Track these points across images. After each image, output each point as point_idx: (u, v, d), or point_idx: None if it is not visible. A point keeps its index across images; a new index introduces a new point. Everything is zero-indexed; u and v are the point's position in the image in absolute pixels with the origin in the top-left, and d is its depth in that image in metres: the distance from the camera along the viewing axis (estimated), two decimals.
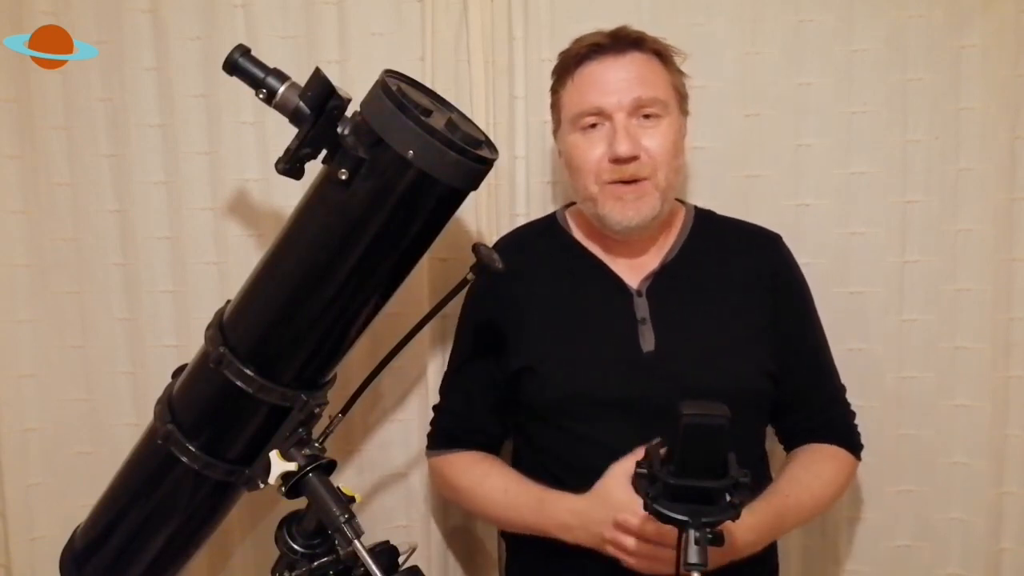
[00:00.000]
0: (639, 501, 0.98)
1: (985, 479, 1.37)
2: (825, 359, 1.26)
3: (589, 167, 1.15)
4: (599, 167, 1.14)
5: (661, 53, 1.17)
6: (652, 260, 1.21)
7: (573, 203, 1.29)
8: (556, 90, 1.21)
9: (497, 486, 1.20)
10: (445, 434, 1.29)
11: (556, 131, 1.23)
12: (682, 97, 1.20)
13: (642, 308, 1.17)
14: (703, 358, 1.14)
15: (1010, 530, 1.38)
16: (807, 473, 1.18)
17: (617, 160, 1.12)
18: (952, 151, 1.34)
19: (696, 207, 1.28)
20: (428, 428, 1.33)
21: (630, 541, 1.04)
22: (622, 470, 1.06)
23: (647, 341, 1.16)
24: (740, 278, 1.20)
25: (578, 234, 1.26)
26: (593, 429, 1.12)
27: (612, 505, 1.06)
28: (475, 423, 1.27)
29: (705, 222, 1.26)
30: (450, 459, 1.27)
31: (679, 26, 1.35)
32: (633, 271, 1.20)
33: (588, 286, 1.21)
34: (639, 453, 1.04)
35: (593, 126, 1.15)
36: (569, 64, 1.17)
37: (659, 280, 1.19)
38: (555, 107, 1.22)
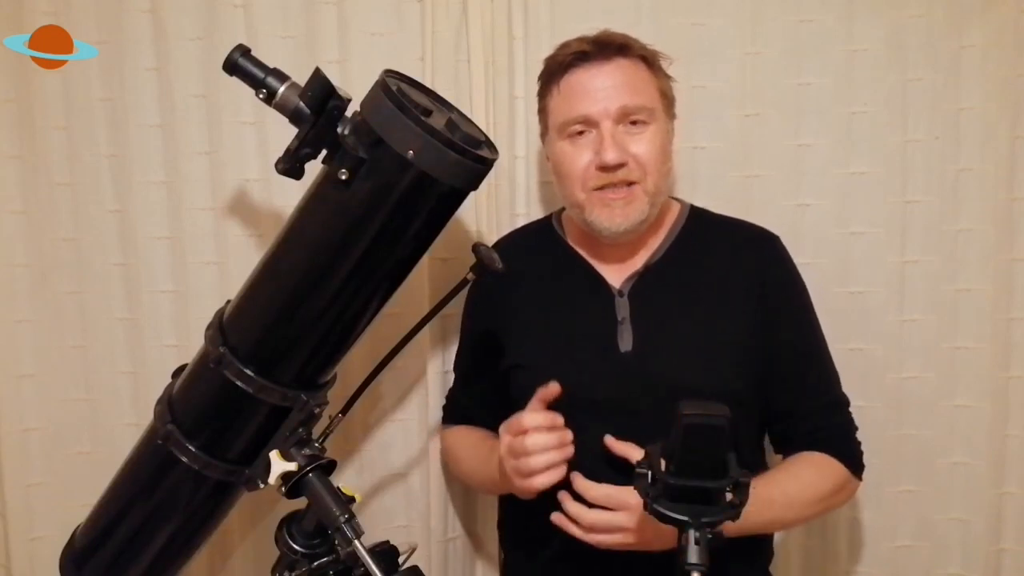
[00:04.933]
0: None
1: (985, 479, 1.37)
2: (822, 365, 1.23)
3: (576, 174, 1.15)
4: (586, 174, 1.14)
5: (647, 58, 1.17)
6: (638, 261, 1.21)
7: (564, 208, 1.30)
8: (542, 96, 1.21)
9: (468, 446, 1.27)
10: (450, 413, 1.36)
11: (543, 136, 1.24)
12: (669, 101, 1.20)
13: (623, 308, 1.18)
14: (680, 358, 1.14)
15: (1010, 530, 1.38)
16: (782, 472, 1.17)
17: (604, 168, 1.12)
18: (952, 151, 1.34)
19: (691, 206, 1.28)
20: (429, 427, 1.39)
21: (504, 440, 1.06)
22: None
23: (625, 341, 1.16)
24: (729, 278, 1.19)
25: (569, 236, 1.26)
26: (574, 426, 1.12)
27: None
28: (471, 409, 1.31)
29: (697, 222, 1.25)
30: (450, 429, 1.34)
31: (679, 26, 1.35)
32: (619, 272, 1.21)
33: (574, 287, 1.22)
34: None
35: (580, 133, 1.15)
36: (554, 72, 1.17)
37: (642, 281, 1.19)
38: (542, 113, 1.22)
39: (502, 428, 1.09)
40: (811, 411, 1.20)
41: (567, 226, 1.28)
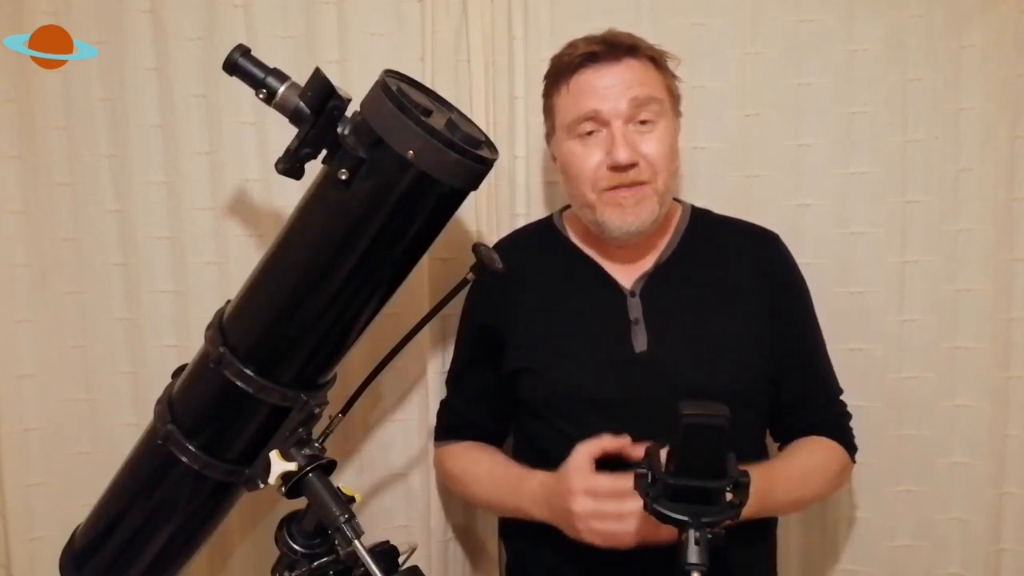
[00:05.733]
0: (588, 472, 1.02)
1: (985, 479, 1.37)
2: (822, 361, 1.25)
3: (587, 175, 1.14)
4: (597, 174, 1.14)
5: (655, 58, 1.17)
6: (647, 261, 1.21)
7: (569, 206, 1.29)
8: (549, 95, 1.20)
9: (484, 469, 1.24)
10: (447, 426, 1.33)
11: (549, 137, 1.23)
12: (676, 100, 1.20)
13: (635, 308, 1.18)
14: (695, 358, 1.15)
15: (1010, 530, 1.38)
16: (796, 454, 1.20)
17: (616, 167, 1.12)
18: (952, 151, 1.34)
19: (693, 206, 1.28)
20: (429, 427, 1.37)
21: (585, 503, 1.03)
22: (584, 448, 1.06)
23: (639, 341, 1.16)
24: (736, 277, 1.20)
25: (574, 237, 1.26)
26: (587, 428, 1.12)
27: (565, 477, 1.06)
28: (475, 419, 1.29)
29: (701, 222, 1.26)
30: (449, 448, 1.31)
31: (679, 26, 1.35)
32: (628, 272, 1.21)
33: (583, 288, 1.21)
34: (607, 439, 1.05)
35: (589, 133, 1.14)
36: (563, 71, 1.16)
37: (653, 280, 1.19)
38: (548, 113, 1.21)
39: (579, 486, 1.04)
40: (815, 405, 1.23)
41: (572, 226, 1.27)
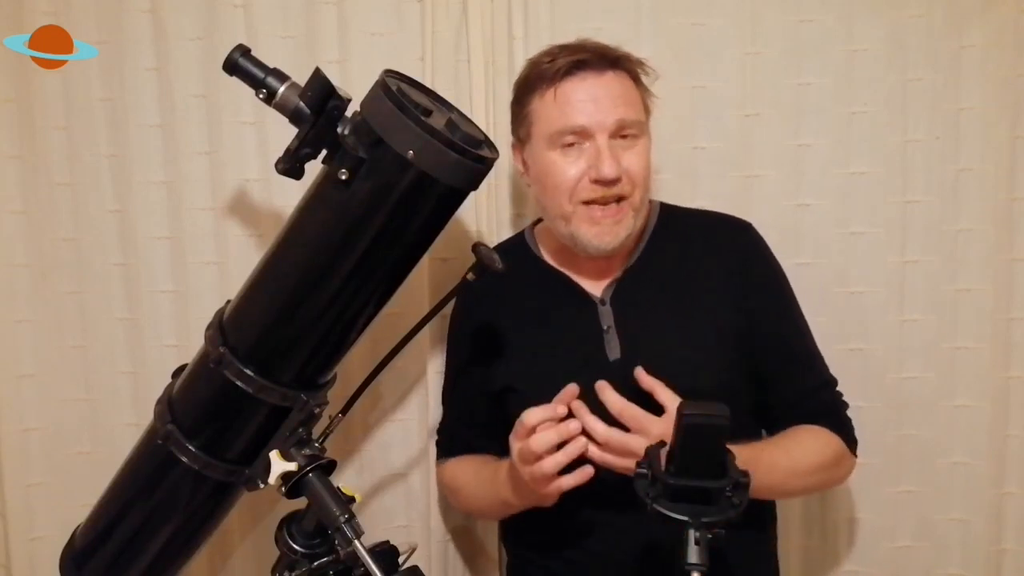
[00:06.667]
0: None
1: (985, 479, 1.37)
2: (805, 347, 1.23)
3: (567, 186, 1.12)
4: (577, 186, 1.12)
5: (637, 73, 1.16)
6: (616, 268, 1.20)
7: (539, 221, 1.29)
8: (525, 102, 1.16)
9: (472, 474, 1.24)
10: (443, 446, 1.33)
11: (521, 144, 1.20)
12: (649, 116, 1.19)
13: (606, 317, 1.17)
14: (670, 361, 1.12)
15: (1010, 530, 1.38)
16: (786, 439, 1.16)
17: (600, 181, 1.11)
18: (952, 151, 1.34)
19: (661, 204, 1.27)
20: (429, 427, 1.38)
21: (515, 447, 1.04)
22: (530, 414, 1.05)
23: (613, 349, 1.15)
24: (708, 273, 1.19)
25: (545, 252, 1.25)
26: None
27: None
28: (469, 439, 1.28)
29: (670, 220, 1.24)
30: (446, 465, 1.31)
31: (679, 26, 1.35)
32: (597, 281, 1.20)
33: (555, 302, 1.21)
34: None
35: (571, 144, 1.12)
36: (547, 77, 1.13)
37: (622, 287, 1.18)
38: (523, 120, 1.17)
39: (511, 436, 1.06)
40: (803, 393, 1.20)
41: (542, 240, 1.27)
